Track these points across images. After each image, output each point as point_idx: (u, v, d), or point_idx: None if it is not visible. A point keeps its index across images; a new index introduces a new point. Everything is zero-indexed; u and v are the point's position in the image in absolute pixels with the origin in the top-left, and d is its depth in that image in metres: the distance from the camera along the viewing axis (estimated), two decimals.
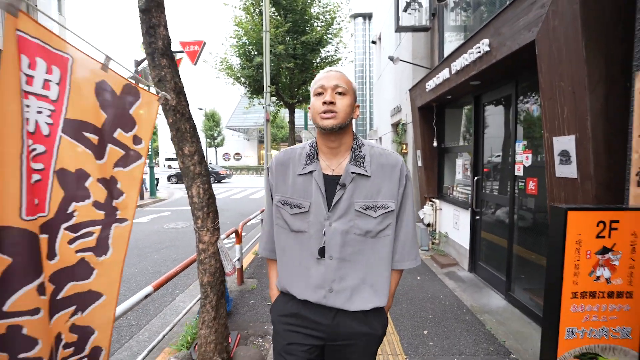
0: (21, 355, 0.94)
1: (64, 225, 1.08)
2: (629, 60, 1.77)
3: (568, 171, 2.11)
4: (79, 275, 1.14)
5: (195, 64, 12.88)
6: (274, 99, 7.47)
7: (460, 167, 4.65)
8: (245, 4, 7.77)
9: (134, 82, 1.28)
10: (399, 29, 5.59)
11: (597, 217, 1.50)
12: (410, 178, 1.11)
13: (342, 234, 1.03)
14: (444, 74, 3.99)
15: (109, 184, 1.19)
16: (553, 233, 1.57)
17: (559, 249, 1.52)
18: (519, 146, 3.13)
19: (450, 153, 5.05)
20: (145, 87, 1.35)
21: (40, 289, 0.96)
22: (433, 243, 5.24)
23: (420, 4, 5.49)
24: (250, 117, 37.14)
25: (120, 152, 1.20)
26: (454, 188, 4.88)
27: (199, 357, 2.17)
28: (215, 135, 37.03)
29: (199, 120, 40.72)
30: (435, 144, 5.15)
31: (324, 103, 1.00)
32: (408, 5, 5.52)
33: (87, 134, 1.10)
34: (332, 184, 1.05)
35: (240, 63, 7.97)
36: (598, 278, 1.53)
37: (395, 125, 8.34)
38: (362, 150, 1.07)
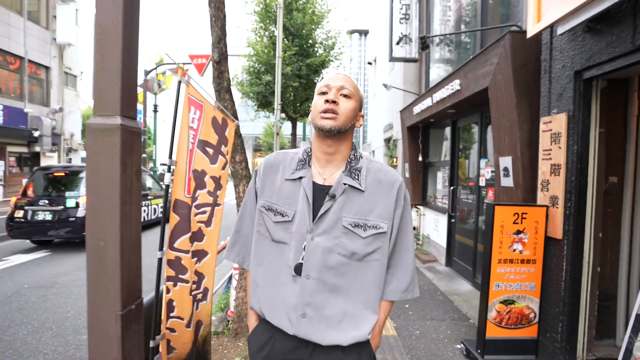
0: (180, 276, 1.69)
1: (194, 204, 1.84)
2: None
3: (508, 182, 2.95)
4: (198, 238, 1.90)
5: (202, 76, 13.72)
6: (282, 115, 8.31)
7: (441, 179, 5.50)
8: (255, 27, 8.66)
9: (226, 115, 2.07)
10: (392, 59, 6.52)
11: (513, 210, 2.33)
12: (409, 200, 1.02)
13: (324, 252, 0.92)
14: (427, 102, 4.88)
15: (216, 180, 1.96)
16: (487, 220, 2.39)
17: (489, 230, 2.34)
18: (483, 162, 3.99)
19: (433, 167, 5.92)
20: (231, 118, 2.14)
21: (191, 239, 1.72)
22: (417, 244, 6.05)
23: (410, 39, 6.44)
24: (246, 126, 37.85)
25: (224, 160, 1.98)
26: (435, 196, 5.73)
27: (235, 314, 2.89)
28: None
29: None
30: (420, 158, 6.02)
31: (326, 101, 0.93)
32: (400, 39, 6.47)
33: (207, 148, 1.88)
34: (321, 194, 0.95)
35: (249, 79, 8.81)
36: (514, 250, 2.35)
37: (387, 140, 9.24)
38: (360, 163, 0.99)
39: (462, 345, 2.69)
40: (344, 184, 0.94)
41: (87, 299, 1.13)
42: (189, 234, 1.70)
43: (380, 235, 0.94)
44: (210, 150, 1.89)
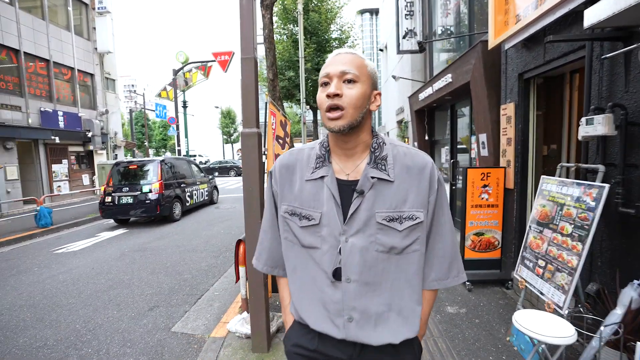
0: None
1: None
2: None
3: (485, 152, 3.99)
4: None
5: (225, 72, 14.87)
6: (307, 106, 9.43)
7: (444, 154, 6.52)
8: (275, 27, 9.68)
9: (286, 117, 3.24)
10: (400, 52, 7.43)
11: (480, 171, 3.40)
12: (443, 182, 0.92)
13: (361, 252, 0.85)
14: (429, 90, 5.86)
15: None
16: (463, 179, 3.48)
17: (464, 185, 3.43)
18: (473, 138, 5.00)
19: (438, 144, 6.92)
20: (288, 119, 3.30)
21: None
22: None
23: (415, 34, 7.31)
24: (263, 115, 38.77)
25: (288, 147, 3.16)
26: (440, 169, 6.76)
27: None
28: (232, 132, 39.39)
29: (215, 118, 43.32)
30: (427, 137, 7.03)
31: (328, 96, 0.83)
32: (406, 34, 7.36)
33: (279, 140, 3.06)
34: (347, 190, 0.87)
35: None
36: (482, 198, 3.44)
37: (400, 122, 10.20)
38: (384, 150, 0.89)
39: None
40: (372, 177, 0.86)
41: (244, 217, 2.35)
42: None
43: (418, 225, 0.87)
44: (281, 141, 3.08)
